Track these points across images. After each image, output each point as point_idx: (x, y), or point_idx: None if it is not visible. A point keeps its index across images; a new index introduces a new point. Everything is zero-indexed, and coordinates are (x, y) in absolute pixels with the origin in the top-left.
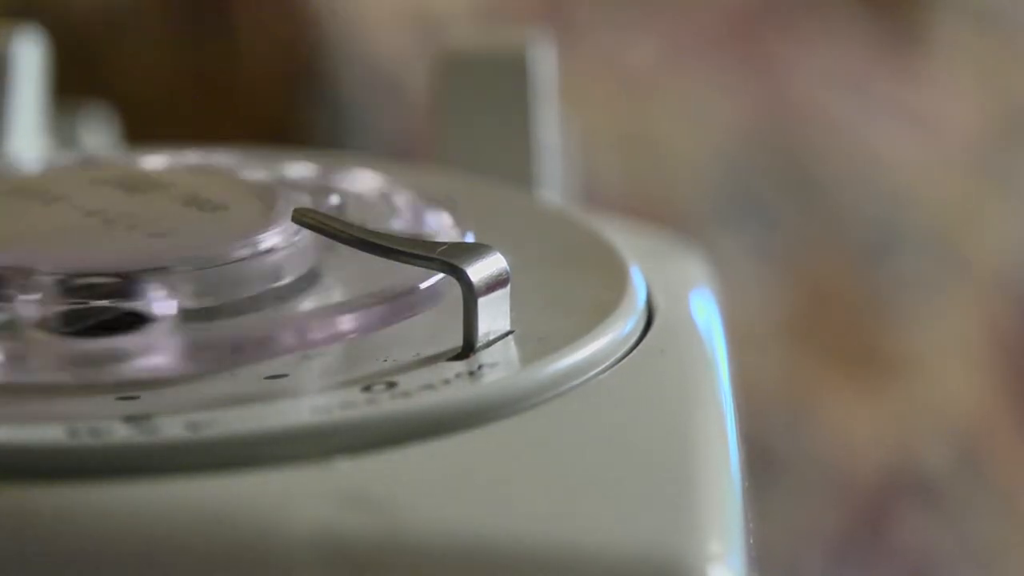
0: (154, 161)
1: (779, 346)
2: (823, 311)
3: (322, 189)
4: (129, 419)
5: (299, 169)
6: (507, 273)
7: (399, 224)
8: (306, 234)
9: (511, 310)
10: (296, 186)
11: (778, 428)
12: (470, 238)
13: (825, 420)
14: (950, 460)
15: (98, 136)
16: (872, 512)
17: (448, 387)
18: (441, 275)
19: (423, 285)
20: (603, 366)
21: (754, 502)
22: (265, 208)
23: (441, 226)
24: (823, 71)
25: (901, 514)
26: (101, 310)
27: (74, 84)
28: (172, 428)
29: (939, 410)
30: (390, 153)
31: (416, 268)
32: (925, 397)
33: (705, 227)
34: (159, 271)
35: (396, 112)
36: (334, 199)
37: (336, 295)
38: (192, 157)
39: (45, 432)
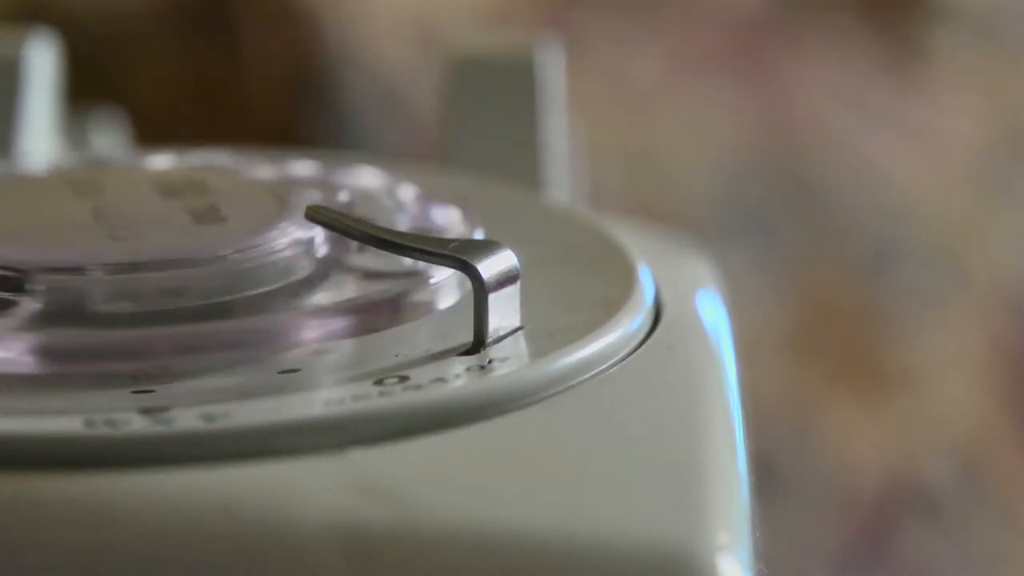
0: (164, 162)
1: (780, 359)
2: (825, 324)
3: (330, 186)
4: (145, 411)
5: (306, 167)
6: (517, 270)
7: (408, 221)
8: (318, 231)
9: (521, 306)
10: (304, 184)
11: (780, 441)
12: (480, 235)
13: (827, 433)
14: (952, 472)
15: (108, 138)
16: (874, 525)
17: (459, 381)
18: (452, 271)
19: (434, 281)
20: (611, 361)
21: (758, 508)
22: (278, 205)
23: (451, 223)
24: (825, 85)
25: (903, 526)
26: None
27: (85, 88)
28: (187, 419)
29: (940, 422)
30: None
31: (427, 264)
32: (926, 410)
33: (707, 240)
34: (172, 267)
35: (398, 119)
36: (343, 196)
37: (348, 291)
38: (201, 158)
39: (62, 423)
